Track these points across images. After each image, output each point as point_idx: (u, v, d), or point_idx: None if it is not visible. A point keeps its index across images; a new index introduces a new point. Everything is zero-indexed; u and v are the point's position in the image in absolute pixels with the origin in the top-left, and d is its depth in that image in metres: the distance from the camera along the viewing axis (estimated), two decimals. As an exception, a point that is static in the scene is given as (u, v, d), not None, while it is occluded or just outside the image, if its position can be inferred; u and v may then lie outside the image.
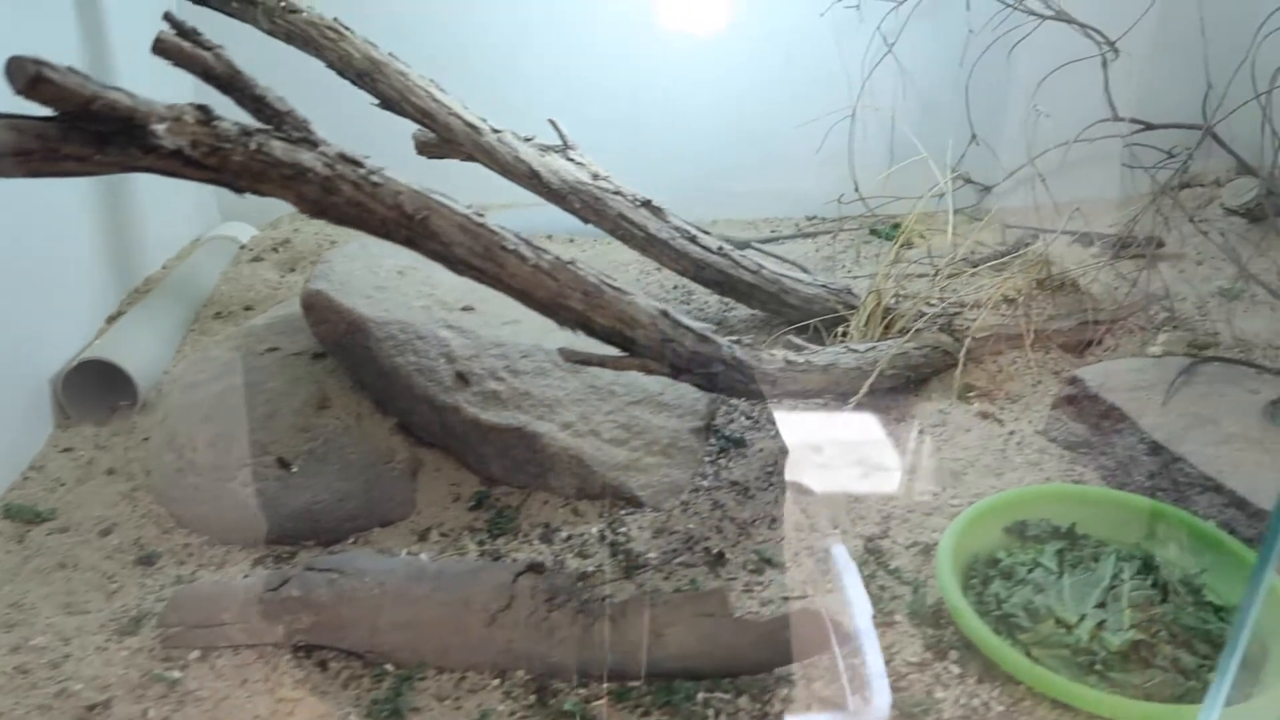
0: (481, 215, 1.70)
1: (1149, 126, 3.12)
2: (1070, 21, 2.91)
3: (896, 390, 2.30)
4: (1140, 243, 3.00)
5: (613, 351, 1.84)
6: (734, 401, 2.25)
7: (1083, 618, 1.63)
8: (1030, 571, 1.74)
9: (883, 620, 1.67)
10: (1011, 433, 2.18)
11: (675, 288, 2.72)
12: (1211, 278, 2.85)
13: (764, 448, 2.14)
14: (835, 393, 2.13)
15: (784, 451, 2.12)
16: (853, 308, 2.41)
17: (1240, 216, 3.10)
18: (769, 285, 2.41)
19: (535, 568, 1.62)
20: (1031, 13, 2.96)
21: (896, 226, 3.26)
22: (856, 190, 3.18)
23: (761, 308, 2.48)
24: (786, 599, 1.71)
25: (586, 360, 1.83)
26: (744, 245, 2.82)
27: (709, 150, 3.26)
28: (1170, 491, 1.88)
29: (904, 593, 1.72)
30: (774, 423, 2.22)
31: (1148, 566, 1.74)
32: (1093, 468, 2.04)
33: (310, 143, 1.53)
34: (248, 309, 2.58)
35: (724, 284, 2.41)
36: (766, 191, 3.36)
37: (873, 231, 3.21)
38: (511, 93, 2.91)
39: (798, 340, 2.24)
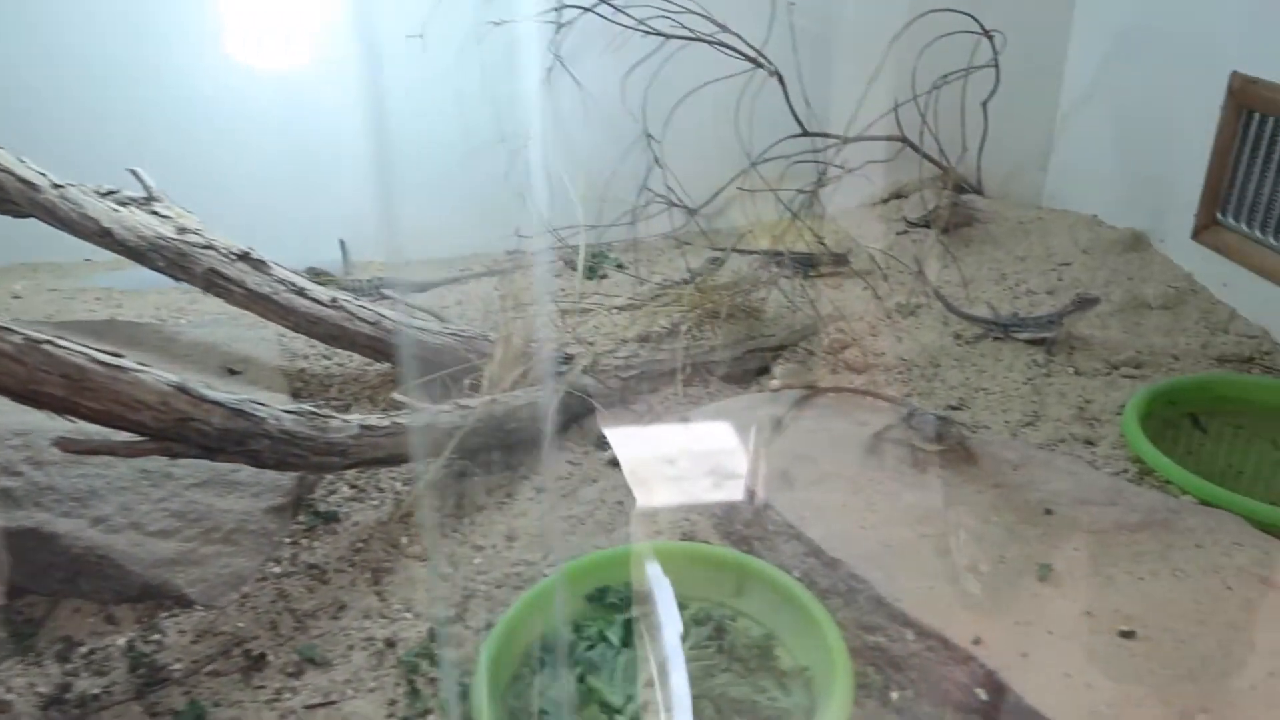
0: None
1: (844, 140, 3.07)
2: (722, 46, 2.84)
3: (528, 443, 2.13)
4: (826, 261, 2.94)
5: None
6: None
7: (630, 699, 1.49)
8: (591, 648, 1.59)
9: (412, 724, 1.49)
10: (634, 482, 2.04)
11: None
12: (893, 294, 2.80)
13: (360, 521, 1.94)
14: (434, 456, 1.95)
15: (381, 524, 1.93)
16: (487, 355, 2.24)
17: (923, 228, 3.08)
18: (391, 337, 2.22)
19: (-21, 708, 1.38)
20: (685, 37, 2.86)
21: (596, 256, 3.13)
22: (543, 221, 3.02)
23: (389, 361, 2.29)
24: (310, 707, 1.52)
25: (91, 449, 1.60)
26: (375, 292, 2.63)
27: (394, 189, 3.05)
28: (764, 540, 1.77)
29: (450, 690, 1.54)
30: (382, 491, 2.02)
31: (720, 630, 1.61)
32: (706, 515, 1.91)
33: None
34: None
35: (342, 338, 2.21)
36: (463, 226, 3.17)
37: (568, 264, 3.06)
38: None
39: (404, 398, 2.06)
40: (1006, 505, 1.72)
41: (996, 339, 2.53)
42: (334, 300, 2.19)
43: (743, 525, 1.80)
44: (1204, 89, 2.67)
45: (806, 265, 2.94)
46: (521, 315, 2.70)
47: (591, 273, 2.99)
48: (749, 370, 2.45)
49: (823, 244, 2.77)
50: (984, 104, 3.14)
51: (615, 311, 2.60)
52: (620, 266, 3.06)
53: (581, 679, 1.52)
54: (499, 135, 2.98)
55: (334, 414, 1.82)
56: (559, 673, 1.53)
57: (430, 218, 3.13)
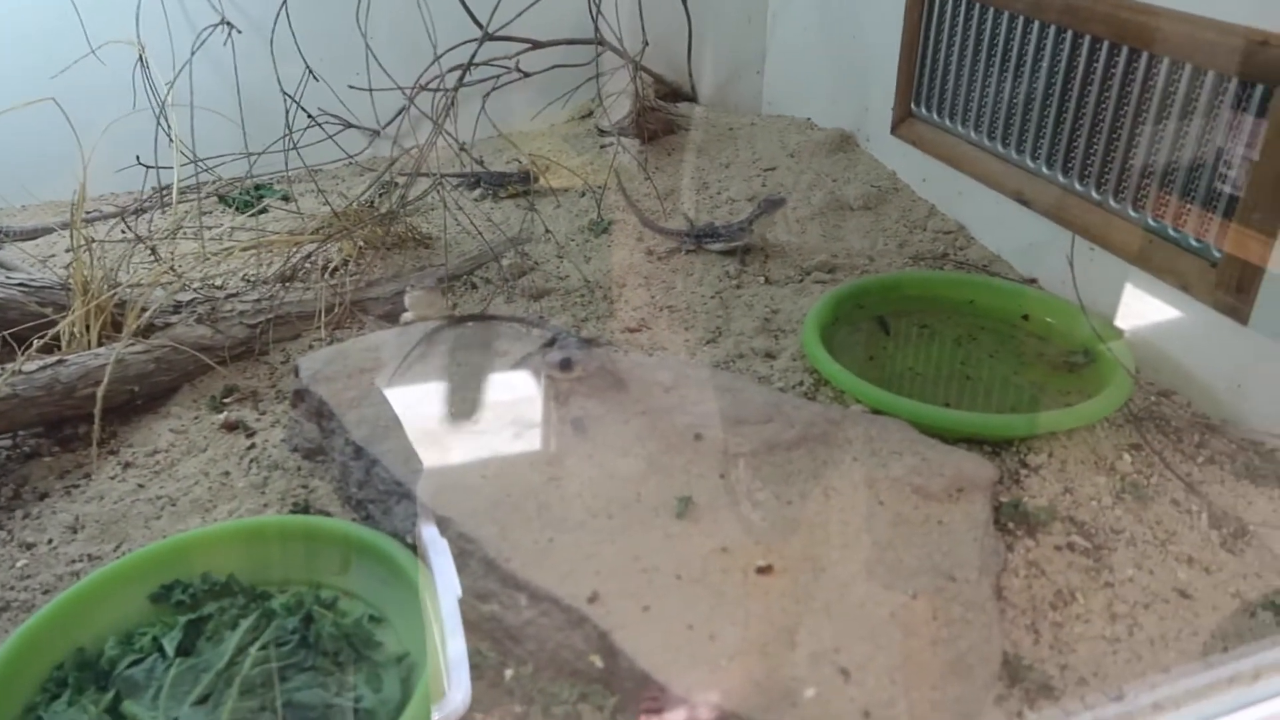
0: None
1: (536, 45, 2.78)
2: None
3: (122, 411, 1.76)
4: (515, 180, 2.66)
5: None
6: None
7: (174, 723, 1.19)
8: (138, 662, 1.27)
9: None
10: (253, 445, 1.71)
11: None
12: (587, 211, 2.55)
13: (-127, 530, 1.53)
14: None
15: (-98, 531, 1.52)
16: (66, 308, 1.84)
17: (623, 138, 2.85)
18: (-72, 295, 1.78)
19: None
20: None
21: (259, 189, 2.73)
22: (175, 146, 2.58)
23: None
24: None
25: None
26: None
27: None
28: (378, 503, 1.49)
29: (-66, 739, 1.19)
30: (-85, 488, 1.61)
31: (309, 619, 1.33)
32: (327, 480, 1.62)
33: None
34: None
35: None
36: (95, 162, 2.68)
37: (222, 199, 2.65)
38: None
39: (-72, 371, 1.65)
40: (652, 433, 1.50)
41: (690, 252, 2.33)
42: None
43: (356, 487, 1.52)
44: (893, -28, 2.53)
45: (495, 185, 2.65)
46: (151, 263, 2.29)
47: (249, 207, 2.59)
48: (414, 305, 2.15)
49: (479, 162, 2.48)
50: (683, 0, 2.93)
51: (257, 250, 2.22)
52: (286, 199, 2.67)
53: (114, 705, 1.20)
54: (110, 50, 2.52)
55: None
56: (83, 700, 1.20)
57: (52, 153, 2.63)
